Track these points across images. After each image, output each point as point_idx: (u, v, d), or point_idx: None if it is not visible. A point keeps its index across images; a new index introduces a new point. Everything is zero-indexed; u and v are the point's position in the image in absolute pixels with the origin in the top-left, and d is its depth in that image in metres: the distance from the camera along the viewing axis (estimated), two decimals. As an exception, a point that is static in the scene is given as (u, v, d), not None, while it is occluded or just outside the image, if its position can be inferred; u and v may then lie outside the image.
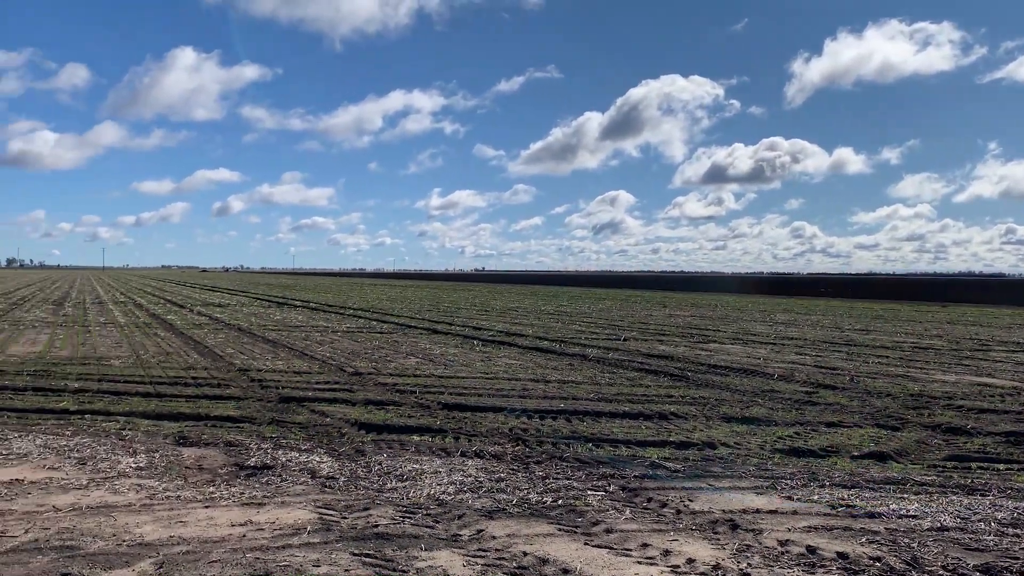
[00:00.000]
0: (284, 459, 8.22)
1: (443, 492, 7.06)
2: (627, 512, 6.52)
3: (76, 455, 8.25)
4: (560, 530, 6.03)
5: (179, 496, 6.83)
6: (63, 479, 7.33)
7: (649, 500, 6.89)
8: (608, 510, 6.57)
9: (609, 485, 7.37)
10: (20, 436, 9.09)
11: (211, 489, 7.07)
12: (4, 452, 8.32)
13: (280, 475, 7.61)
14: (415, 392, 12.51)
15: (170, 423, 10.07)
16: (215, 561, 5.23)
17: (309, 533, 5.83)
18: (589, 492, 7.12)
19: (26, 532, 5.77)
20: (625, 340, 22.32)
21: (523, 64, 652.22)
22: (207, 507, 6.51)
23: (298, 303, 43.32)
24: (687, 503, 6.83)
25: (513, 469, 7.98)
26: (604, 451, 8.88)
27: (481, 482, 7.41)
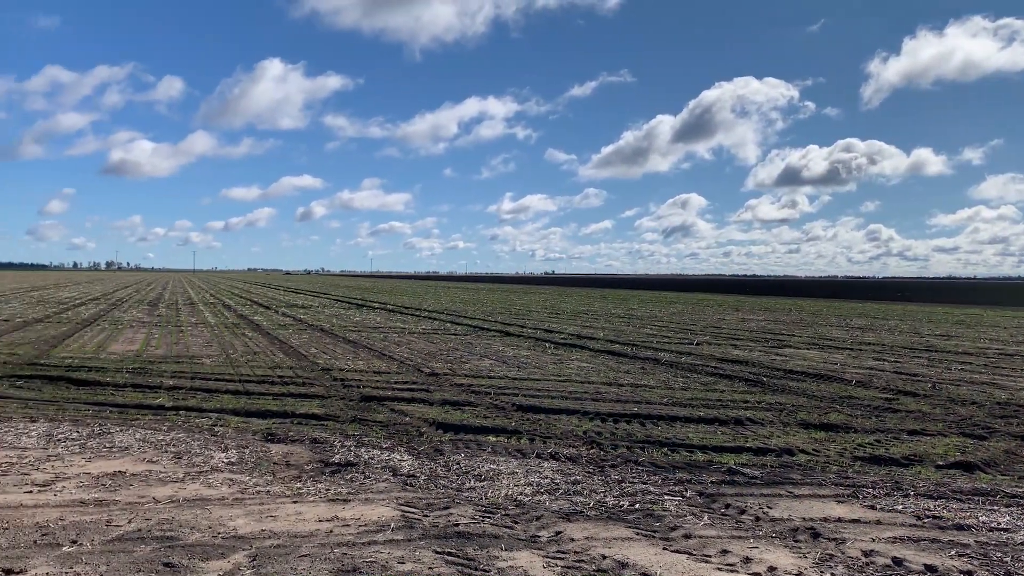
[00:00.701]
0: (366, 456, 8.36)
1: (520, 493, 7.07)
2: (705, 517, 6.41)
3: (172, 449, 8.55)
4: (638, 534, 5.96)
5: (268, 491, 7.00)
6: (161, 472, 7.61)
7: (727, 506, 6.76)
8: (686, 515, 6.47)
9: (686, 490, 7.26)
10: (121, 430, 9.47)
11: (298, 485, 7.24)
12: (107, 445, 8.69)
13: (363, 472, 7.73)
14: (489, 393, 12.57)
15: (258, 420, 10.35)
16: (304, 556, 5.34)
17: (392, 531, 5.91)
18: (666, 497, 7.03)
19: (129, 522, 6.00)
20: (698, 344, 21.97)
21: (596, 69, 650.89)
22: (295, 502, 6.66)
23: (376, 305, 44.02)
24: (766, 510, 6.68)
25: (589, 472, 7.94)
26: (680, 456, 8.75)
27: (557, 484, 7.39)
